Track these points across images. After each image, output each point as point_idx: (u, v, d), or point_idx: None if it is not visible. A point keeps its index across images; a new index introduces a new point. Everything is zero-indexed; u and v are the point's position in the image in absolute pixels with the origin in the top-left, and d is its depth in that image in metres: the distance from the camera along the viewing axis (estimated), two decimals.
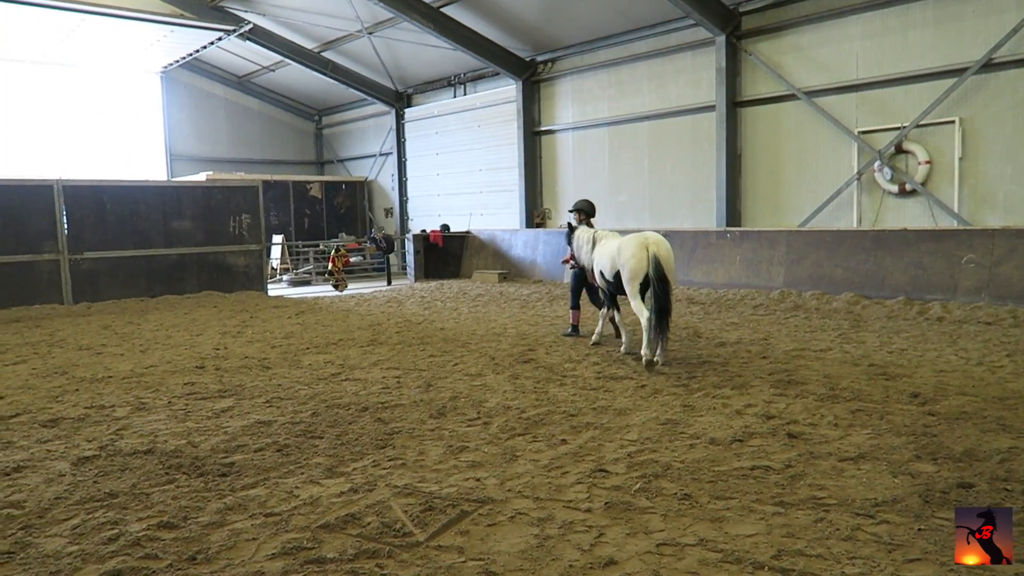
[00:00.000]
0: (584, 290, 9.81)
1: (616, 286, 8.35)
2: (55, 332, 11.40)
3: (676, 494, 4.14)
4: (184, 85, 25.54)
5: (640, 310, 7.69)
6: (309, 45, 22.23)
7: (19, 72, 22.33)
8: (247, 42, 21.14)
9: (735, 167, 15.34)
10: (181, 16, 19.11)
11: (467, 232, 20.54)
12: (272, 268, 21.38)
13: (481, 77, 21.27)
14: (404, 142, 24.39)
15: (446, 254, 20.09)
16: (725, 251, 14.06)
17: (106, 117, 24.09)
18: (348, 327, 11.34)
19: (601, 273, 8.63)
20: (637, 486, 4.27)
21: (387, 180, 25.53)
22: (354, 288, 18.25)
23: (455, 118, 22.32)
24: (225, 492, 4.39)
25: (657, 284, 7.46)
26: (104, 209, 14.48)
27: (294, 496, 4.30)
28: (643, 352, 7.63)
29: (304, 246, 22.84)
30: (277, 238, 22.53)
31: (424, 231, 20.68)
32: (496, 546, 3.57)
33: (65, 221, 13.94)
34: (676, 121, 16.54)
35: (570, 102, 18.99)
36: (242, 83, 26.55)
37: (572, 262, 9.72)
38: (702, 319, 11.10)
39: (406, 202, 24.80)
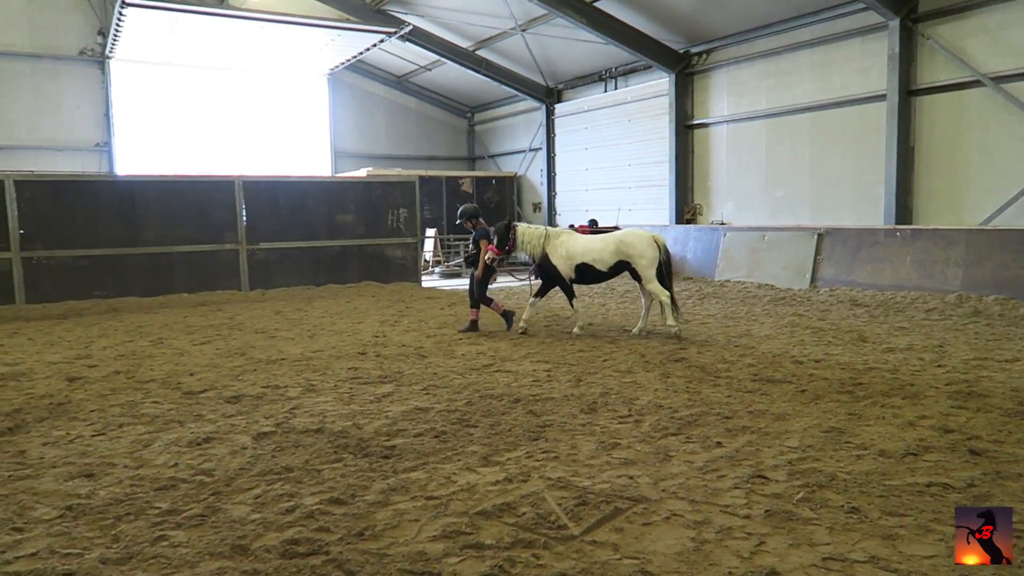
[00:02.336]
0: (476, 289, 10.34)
1: (606, 275, 9.67)
2: (234, 316, 12.42)
3: (843, 507, 3.92)
4: (348, 86, 26.99)
5: (661, 291, 9.31)
6: (464, 44, 22.86)
7: (205, 78, 24.45)
8: (407, 43, 22.02)
9: (906, 160, 14.28)
10: (348, 21, 20.21)
11: (615, 227, 20.38)
12: (425, 260, 22.19)
13: (632, 71, 21.03)
14: (553, 137, 24.56)
15: None
16: (894, 250, 13.14)
17: (279, 117, 25.92)
18: (498, 319, 11.57)
19: (587, 264, 9.62)
20: (800, 495, 4.09)
21: (536, 175, 25.81)
22: (503, 281, 18.61)
23: (605, 113, 22.20)
24: (388, 473, 4.62)
25: (667, 269, 9.34)
26: (277, 203, 15.61)
27: (452, 481, 4.45)
28: (672, 327, 9.33)
29: (455, 239, 23.53)
30: (430, 231, 23.35)
31: (572, 226, 20.74)
32: (651, 546, 3.54)
33: (244, 214, 15.16)
34: (841, 112, 15.61)
35: (725, 94, 18.38)
36: (400, 82, 27.71)
37: (492, 257, 10.02)
38: (867, 322, 10.44)
39: (554, 197, 24.96)
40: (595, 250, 9.65)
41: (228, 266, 15.10)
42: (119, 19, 18.12)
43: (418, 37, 21.85)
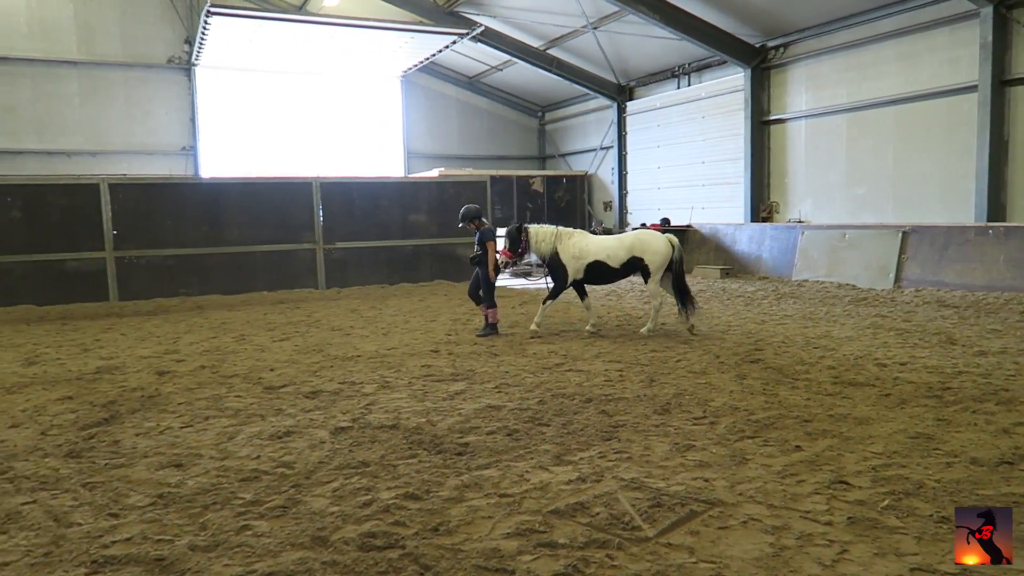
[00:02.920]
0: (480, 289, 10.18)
1: (619, 273, 9.80)
2: (312, 313, 12.76)
3: (932, 516, 3.77)
4: (420, 87, 27.36)
5: (656, 292, 9.76)
6: (535, 43, 22.88)
7: (283, 82, 25.16)
8: (478, 44, 22.17)
9: (1000, 154, 13.57)
10: (420, 23, 20.49)
11: (688, 226, 20.09)
12: None
13: (707, 67, 20.64)
14: (625, 135, 24.34)
15: None
16: (986, 249, 12.52)
17: (354, 119, 26.48)
18: (569, 319, 11.56)
19: (601, 262, 9.72)
20: (885, 503, 3.95)
21: (607, 174, 25.63)
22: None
23: (678, 110, 21.87)
24: (462, 470, 4.66)
25: (679, 267, 9.58)
26: (352, 204, 15.96)
27: (525, 480, 4.47)
28: (648, 328, 9.82)
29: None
30: (500, 231, 23.42)
31: (643, 225, 20.54)
32: (728, 550, 3.48)
33: (320, 215, 15.55)
34: (927, 105, 14.96)
35: (803, 89, 17.86)
36: (472, 83, 27.93)
37: (506, 260, 10.09)
38: (956, 324, 9.98)
39: (625, 196, 24.73)
40: (610, 247, 9.80)
41: (306, 265, 15.53)
42: (204, 27, 18.84)
43: (490, 38, 21.96)
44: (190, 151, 23.77)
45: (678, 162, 22.05)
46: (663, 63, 21.78)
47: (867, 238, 14.76)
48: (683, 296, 9.60)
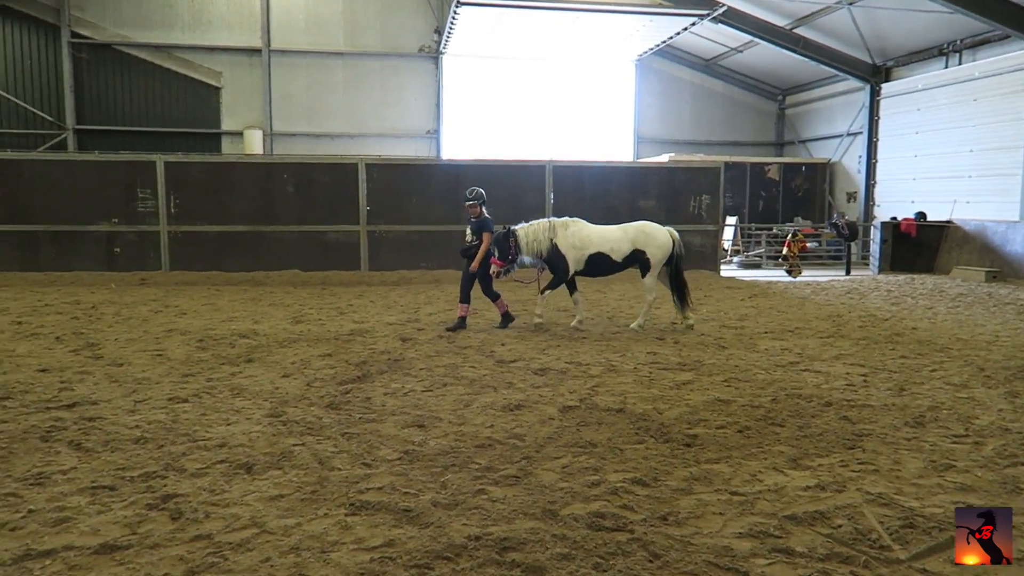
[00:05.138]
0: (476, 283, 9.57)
1: (620, 266, 9.49)
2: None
3: None
4: (654, 71, 26.96)
5: (652, 288, 9.49)
6: (781, 22, 21.62)
7: (520, 68, 25.98)
8: (718, 25, 21.40)
9: None
10: (660, 5, 20.15)
11: (948, 222, 18.04)
12: (723, 249, 21.53)
13: (983, 43, 18.28)
14: (877, 120, 22.29)
15: (918, 245, 17.93)
16: None
17: (586, 103, 26.74)
18: (804, 316, 10.90)
19: (603, 254, 9.34)
20: None
21: (852, 162, 23.69)
22: (808, 275, 17.45)
23: (944, 92, 19.61)
24: (690, 462, 4.57)
25: (679, 263, 9.44)
26: (583, 187, 16.17)
27: (758, 480, 4.29)
28: (639, 323, 9.59)
29: (757, 229, 22.51)
30: (731, 219, 22.57)
31: (894, 219, 18.76)
32: None
33: (552, 197, 15.92)
34: None
35: None
36: (708, 66, 27.03)
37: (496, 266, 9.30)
38: None
39: (873, 186, 22.71)
40: (613, 239, 9.43)
41: None
42: (453, 17, 19.96)
43: (731, 18, 21.10)
44: (434, 134, 25.38)
45: (939, 150, 19.82)
46: (929, 40, 19.62)
47: None
48: (680, 292, 9.45)
